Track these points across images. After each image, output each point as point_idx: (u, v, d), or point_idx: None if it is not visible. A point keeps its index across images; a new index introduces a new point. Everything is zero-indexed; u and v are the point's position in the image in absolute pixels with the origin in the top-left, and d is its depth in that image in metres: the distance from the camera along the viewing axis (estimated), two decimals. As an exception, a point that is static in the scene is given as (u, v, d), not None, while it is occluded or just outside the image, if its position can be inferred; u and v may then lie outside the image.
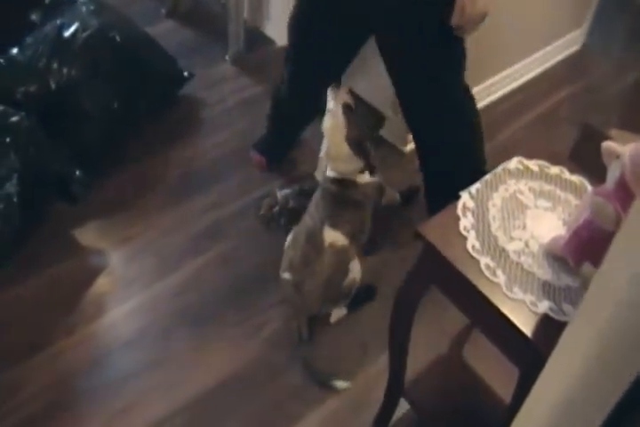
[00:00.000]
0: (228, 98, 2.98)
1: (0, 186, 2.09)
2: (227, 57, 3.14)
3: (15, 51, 2.40)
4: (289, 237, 2.16)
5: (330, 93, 2.03)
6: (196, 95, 2.96)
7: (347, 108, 2.01)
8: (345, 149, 2.01)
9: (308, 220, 2.09)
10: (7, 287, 2.23)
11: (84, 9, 2.55)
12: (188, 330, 2.19)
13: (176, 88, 2.90)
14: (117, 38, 2.55)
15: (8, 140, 2.12)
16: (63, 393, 2.03)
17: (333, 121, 2.01)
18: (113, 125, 2.53)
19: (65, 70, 2.38)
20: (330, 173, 2.08)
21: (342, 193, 2.06)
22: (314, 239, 2.04)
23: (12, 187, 2.09)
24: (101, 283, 2.29)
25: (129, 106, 2.56)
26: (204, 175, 2.66)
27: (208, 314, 2.22)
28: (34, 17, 2.53)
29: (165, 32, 3.17)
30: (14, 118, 2.17)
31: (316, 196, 2.11)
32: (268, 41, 3.25)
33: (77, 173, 2.31)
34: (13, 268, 2.26)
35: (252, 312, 2.23)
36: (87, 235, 2.43)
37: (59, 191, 2.31)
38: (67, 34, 2.43)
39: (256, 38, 3.23)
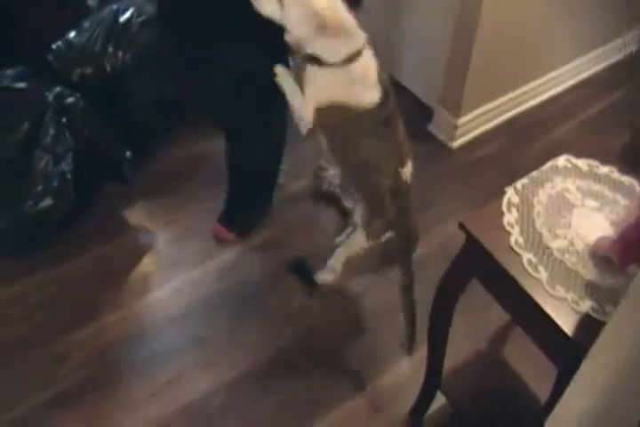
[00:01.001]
0: None
1: (55, 164, 2.16)
2: None
3: (72, 34, 2.42)
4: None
5: None
6: None
7: None
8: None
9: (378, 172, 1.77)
10: (57, 263, 2.29)
11: None
12: (229, 313, 2.22)
13: None
14: None
15: (64, 120, 2.19)
16: (110, 364, 2.10)
17: None
18: (164, 109, 2.54)
19: (120, 54, 2.40)
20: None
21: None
22: (397, 191, 1.79)
23: (66, 165, 2.16)
24: (147, 262, 2.34)
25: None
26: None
27: (249, 298, 2.25)
28: (90, 2, 2.54)
29: None
30: (70, 99, 2.23)
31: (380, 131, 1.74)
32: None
33: (128, 154, 2.36)
34: (64, 244, 2.32)
35: (292, 298, 2.25)
36: (135, 215, 2.47)
37: (110, 172, 2.36)
38: (122, 19, 2.45)
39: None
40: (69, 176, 2.18)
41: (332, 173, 2.32)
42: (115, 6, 2.49)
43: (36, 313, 2.19)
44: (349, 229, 2.00)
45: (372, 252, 1.87)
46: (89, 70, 2.37)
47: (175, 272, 2.31)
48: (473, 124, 2.72)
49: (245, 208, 2.42)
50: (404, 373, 2.09)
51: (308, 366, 2.11)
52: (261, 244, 2.41)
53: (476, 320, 2.08)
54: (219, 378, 2.07)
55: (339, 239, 1.98)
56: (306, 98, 1.70)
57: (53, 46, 2.37)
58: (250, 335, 2.17)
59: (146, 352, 2.12)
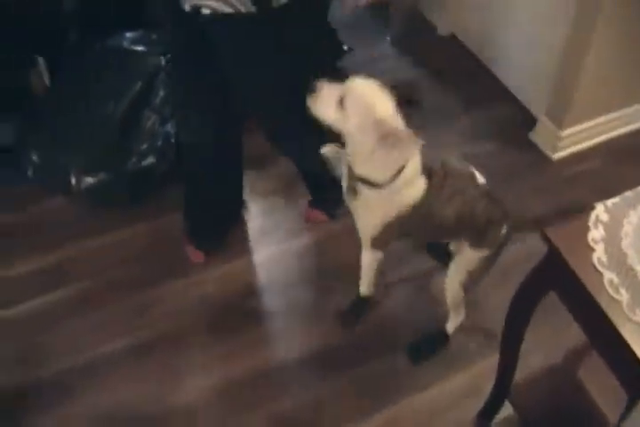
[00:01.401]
0: (382, 75, 2.97)
1: (162, 124, 2.33)
2: (387, 37, 3.16)
3: None
4: None
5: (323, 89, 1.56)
6: (353, 69, 2.97)
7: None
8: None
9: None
10: (155, 218, 2.43)
11: None
12: (310, 289, 2.28)
13: (334, 59, 2.92)
14: None
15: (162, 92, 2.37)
16: (193, 319, 2.20)
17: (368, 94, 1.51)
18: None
19: None
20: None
21: None
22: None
23: (171, 127, 2.33)
24: (238, 230, 2.42)
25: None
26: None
27: (330, 278, 2.30)
28: None
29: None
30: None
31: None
32: (431, 27, 3.20)
33: None
34: (163, 200, 2.45)
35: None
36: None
37: None
38: None
39: (418, 23, 3.21)
40: (172, 138, 2.34)
41: None
42: None
43: (131, 264, 2.33)
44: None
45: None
46: None
47: (264, 242, 2.40)
48: (576, 137, 2.64)
49: (325, 191, 2.37)
50: (479, 373, 2.07)
51: (386, 353, 2.12)
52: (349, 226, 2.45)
53: (555, 335, 2.05)
54: (300, 350, 2.13)
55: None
56: (362, 230, 1.76)
57: None
58: (324, 316, 2.21)
59: (222, 315, 2.21)
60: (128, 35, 2.45)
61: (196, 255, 2.31)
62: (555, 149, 2.64)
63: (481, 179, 1.76)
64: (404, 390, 2.05)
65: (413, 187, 1.63)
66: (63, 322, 2.18)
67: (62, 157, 2.29)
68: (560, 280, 1.33)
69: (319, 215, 2.42)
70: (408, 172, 1.57)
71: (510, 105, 2.76)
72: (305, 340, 2.15)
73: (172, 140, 2.34)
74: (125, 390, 2.04)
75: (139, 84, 2.33)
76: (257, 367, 2.09)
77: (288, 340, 2.16)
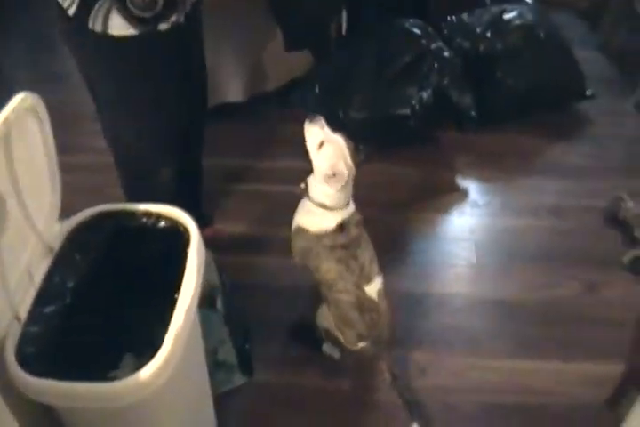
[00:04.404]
0: (614, 128, 3.12)
1: (419, 91, 2.76)
2: (633, 98, 3.24)
3: (465, 15, 3.15)
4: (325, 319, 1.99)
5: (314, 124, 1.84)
6: (590, 113, 3.19)
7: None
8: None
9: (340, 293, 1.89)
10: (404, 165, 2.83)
11: (528, 5, 3.17)
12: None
13: (573, 100, 3.19)
14: (541, 35, 3.02)
15: (436, 65, 2.78)
16: None
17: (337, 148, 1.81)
18: (521, 98, 3.03)
19: (493, 41, 2.99)
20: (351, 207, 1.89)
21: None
22: (363, 306, 1.89)
23: (426, 94, 2.76)
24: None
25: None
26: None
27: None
28: (488, 1, 3.28)
29: (588, 58, 3.34)
30: (446, 54, 2.84)
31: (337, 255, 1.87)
32: None
33: (473, 113, 2.85)
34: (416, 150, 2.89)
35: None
36: (463, 162, 2.90)
37: (451, 116, 2.93)
38: (506, 17, 3.06)
39: None
40: (423, 102, 2.76)
41: (631, 205, 2.54)
42: (504, 6, 3.14)
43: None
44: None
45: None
46: (466, 44, 3.02)
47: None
48: None
49: None
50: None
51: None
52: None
53: None
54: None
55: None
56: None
57: (449, 18, 3.15)
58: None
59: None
60: (410, 20, 2.95)
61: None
62: None
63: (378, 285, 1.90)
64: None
65: (324, 221, 1.85)
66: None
67: (337, 96, 2.78)
68: None
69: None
70: (330, 205, 1.83)
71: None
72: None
73: (423, 103, 2.77)
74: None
75: (407, 57, 2.79)
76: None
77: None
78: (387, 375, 1.92)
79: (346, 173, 1.76)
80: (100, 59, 1.79)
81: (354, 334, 1.91)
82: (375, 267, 1.90)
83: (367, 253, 1.88)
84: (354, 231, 1.86)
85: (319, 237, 1.85)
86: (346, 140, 1.81)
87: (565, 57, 3.11)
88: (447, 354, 2.10)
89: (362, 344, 1.92)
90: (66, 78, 3.00)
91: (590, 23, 3.76)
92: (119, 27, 1.66)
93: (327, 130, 1.82)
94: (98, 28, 1.67)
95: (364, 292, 1.86)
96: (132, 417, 1.29)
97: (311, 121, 1.82)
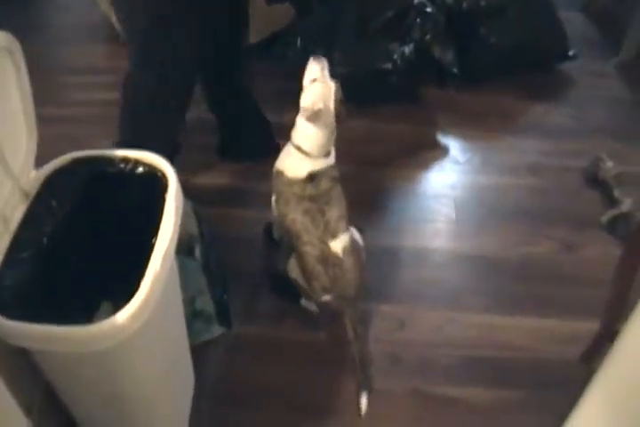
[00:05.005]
0: (596, 90, 3.12)
1: (401, 46, 2.75)
2: (615, 59, 3.24)
3: None
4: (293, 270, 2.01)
5: (317, 62, 1.89)
6: (572, 74, 3.18)
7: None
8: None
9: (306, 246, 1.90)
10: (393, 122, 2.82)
11: None
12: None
13: (556, 61, 3.17)
14: None
15: (418, 20, 2.77)
16: None
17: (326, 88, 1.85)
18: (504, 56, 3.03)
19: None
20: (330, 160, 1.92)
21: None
22: (327, 261, 1.89)
23: (408, 50, 2.75)
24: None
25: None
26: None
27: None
28: None
29: (571, 19, 3.33)
30: (429, 9, 2.80)
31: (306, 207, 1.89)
32: None
33: (455, 70, 2.84)
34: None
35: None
36: (445, 120, 2.89)
37: (434, 72, 2.90)
38: None
39: None
40: (405, 57, 2.75)
41: (610, 165, 2.52)
42: None
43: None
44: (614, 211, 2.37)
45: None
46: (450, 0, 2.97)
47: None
48: None
49: None
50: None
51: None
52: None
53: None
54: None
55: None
56: None
57: None
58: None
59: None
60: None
61: None
62: None
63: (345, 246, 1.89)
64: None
65: (298, 168, 1.88)
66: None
67: (319, 49, 2.63)
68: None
69: None
70: (306, 150, 1.86)
71: None
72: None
73: (405, 58, 2.76)
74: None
75: (390, 13, 2.77)
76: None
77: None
78: (349, 332, 1.92)
79: (328, 112, 1.79)
80: None
81: (319, 286, 1.91)
82: (343, 225, 1.90)
83: (336, 210, 1.89)
84: (324, 185, 1.87)
85: (291, 183, 1.88)
86: (337, 89, 1.84)
87: (549, 16, 3.10)
88: (426, 308, 2.11)
89: (327, 297, 1.93)
90: (42, 30, 2.94)
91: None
92: None
93: (326, 73, 1.85)
94: None
95: (328, 247, 1.88)
96: (109, 362, 1.28)
97: (315, 59, 1.87)
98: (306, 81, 1.87)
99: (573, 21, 3.37)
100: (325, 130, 1.83)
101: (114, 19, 2.99)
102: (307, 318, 2.05)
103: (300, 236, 1.89)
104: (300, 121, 1.85)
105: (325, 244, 1.87)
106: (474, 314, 2.10)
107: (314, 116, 1.80)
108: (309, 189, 1.86)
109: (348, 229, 1.92)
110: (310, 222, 1.86)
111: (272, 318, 2.06)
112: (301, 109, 1.84)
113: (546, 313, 2.11)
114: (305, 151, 1.85)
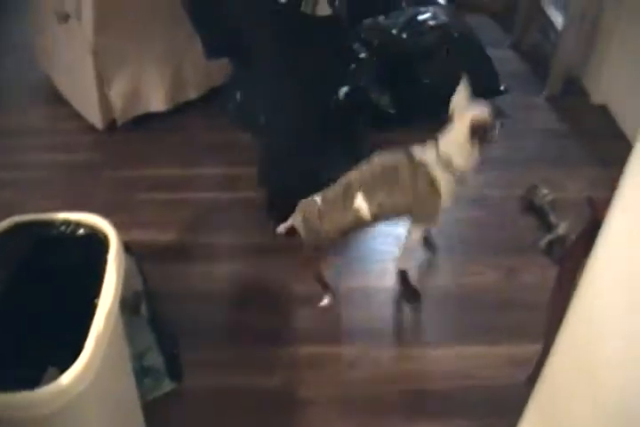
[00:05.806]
0: (528, 122, 3.24)
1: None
2: (543, 93, 3.37)
3: (381, 18, 3.20)
4: None
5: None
6: (504, 108, 3.11)
7: None
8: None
9: None
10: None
11: (441, 6, 3.30)
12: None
13: (488, 95, 3.10)
14: (455, 35, 3.14)
15: (353, 66, 2.81)
16: None
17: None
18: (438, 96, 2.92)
19: (408, 42, 3.09)
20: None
21: None
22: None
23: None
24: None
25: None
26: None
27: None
28: (404, 4, 3.34)
29: (501, 57, 3.47)
30: (363, 55, 2.93)
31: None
32: (584, 93, 3.39)
33: (391, 111, 3.01)
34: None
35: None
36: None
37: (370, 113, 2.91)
38: (420, 17, 3.17)
39: (574, 87, 3.42)
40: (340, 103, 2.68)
41: (545, 192, 2.67)
42: (420, 8, 3.24)
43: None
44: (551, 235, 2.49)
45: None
46: (384, 45, 3.08)
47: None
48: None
49: None
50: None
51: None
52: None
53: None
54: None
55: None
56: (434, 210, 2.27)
57: (365, 21, 3.15)
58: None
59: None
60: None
61: None
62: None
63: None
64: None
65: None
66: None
67: (257, 101, 2.71)
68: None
69: None
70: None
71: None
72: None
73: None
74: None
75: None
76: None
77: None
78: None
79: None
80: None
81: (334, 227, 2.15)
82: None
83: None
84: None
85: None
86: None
87: (479, 55, 3.22)
88: (375, 346, 2.16)
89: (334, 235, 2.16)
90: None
91: (503, 25, 3.89)
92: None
93: (471, 114, 2.15)
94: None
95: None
96: (57, 425, 1.29)
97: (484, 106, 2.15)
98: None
99: (504, 59, 3.50)
100: None
101: (55, 79, 3.05)
102: (259, 364, 2.10)
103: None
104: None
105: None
106: (420, 348, 2.17)
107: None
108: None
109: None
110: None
111: (224, 368, 2.08)
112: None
113: (493, 340, 2.19)
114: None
